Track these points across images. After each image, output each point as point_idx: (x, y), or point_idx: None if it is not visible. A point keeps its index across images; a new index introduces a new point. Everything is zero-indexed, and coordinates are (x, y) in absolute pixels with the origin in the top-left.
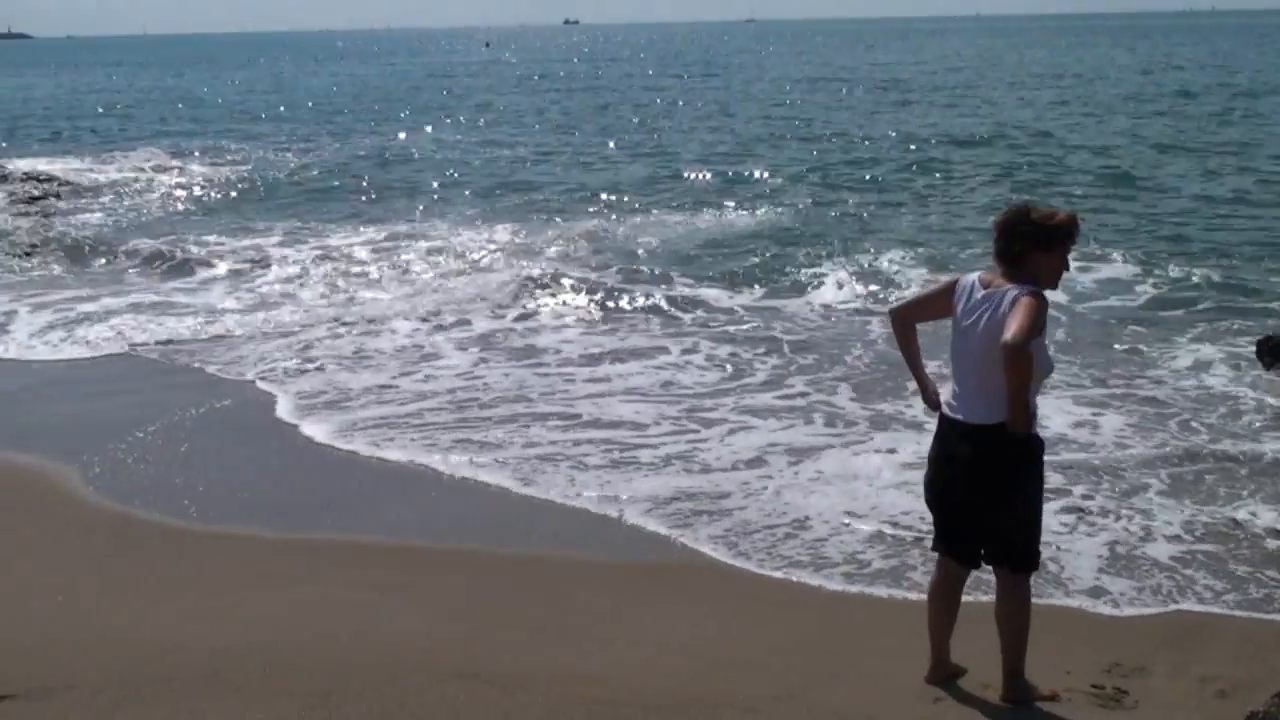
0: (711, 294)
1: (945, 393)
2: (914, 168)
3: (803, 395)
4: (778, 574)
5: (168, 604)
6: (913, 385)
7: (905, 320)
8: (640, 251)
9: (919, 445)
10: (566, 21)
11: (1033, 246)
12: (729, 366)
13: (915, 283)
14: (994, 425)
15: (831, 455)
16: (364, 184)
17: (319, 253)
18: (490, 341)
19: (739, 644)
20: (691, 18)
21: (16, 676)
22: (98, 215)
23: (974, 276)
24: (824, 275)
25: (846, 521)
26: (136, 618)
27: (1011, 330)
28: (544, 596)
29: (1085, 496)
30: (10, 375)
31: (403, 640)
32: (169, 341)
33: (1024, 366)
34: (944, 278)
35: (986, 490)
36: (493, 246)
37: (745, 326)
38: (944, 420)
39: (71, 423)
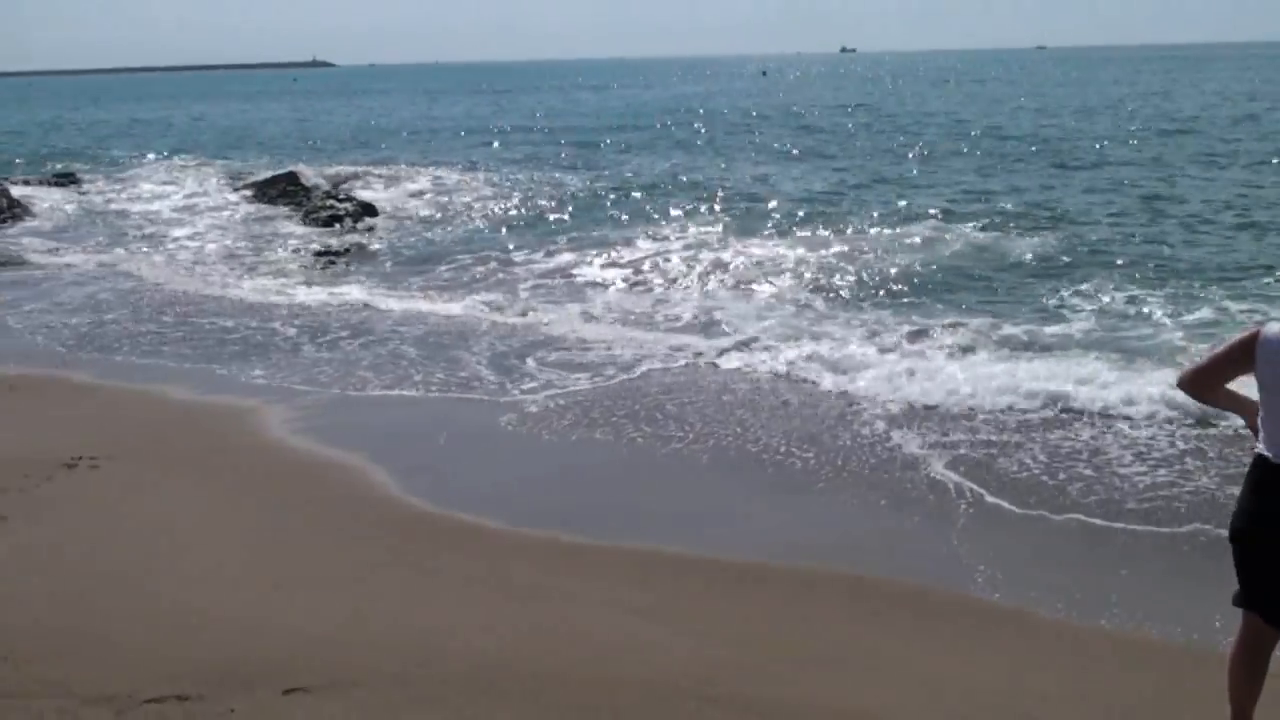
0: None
1: (1266, 445)
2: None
3: (1089, 417)
4: (1055, 614)
5: (455, 606)
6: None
7: (1201, 386)
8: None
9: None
10: (844, 49)
11: None
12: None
13: None
14: None
15: (1124, 478)
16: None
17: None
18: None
19: (1012, 692)
20: (975, 44)
21: (311, 669)
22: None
23: (1277, 328)
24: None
25: (1139, 559)
26: (425, 618)
27: None
28: (816, 621)
29: None
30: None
31: (673, 661)
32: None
33: None
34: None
35: None
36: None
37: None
38: (1274, 471)
39: (393, 423)
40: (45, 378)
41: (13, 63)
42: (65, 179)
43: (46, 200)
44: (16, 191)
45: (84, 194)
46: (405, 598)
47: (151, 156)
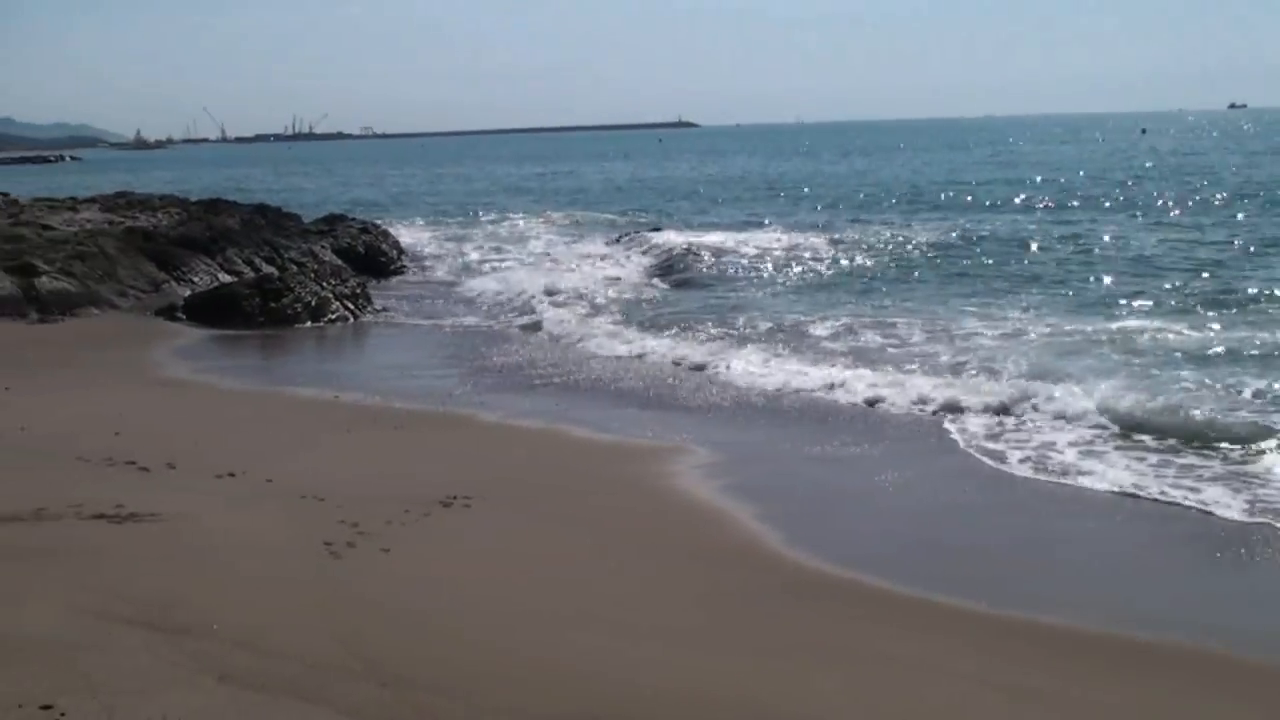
0: None
1: None
2: None
3: None
4: None
5: (805, 669)
6: None
7: None
8: None
9: None
10: (1232, 106)
11: None
12: None
13: None
14: None
15: None
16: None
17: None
18: None
19: None
20: None
21: None
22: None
23: None
24: None
25: None
26: (772, 681)
27: None
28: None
29: None
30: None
31: None
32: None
33: None
34: None
35: None
36: None
37: None
38: None
39: (797, 478)
40: (437, 416)
41: (398, 126)
42: (448, 231)
43: (430, 250)
44: (406, 242)
45: (463, 245)
46: (756, 656)
47: (519, 212)
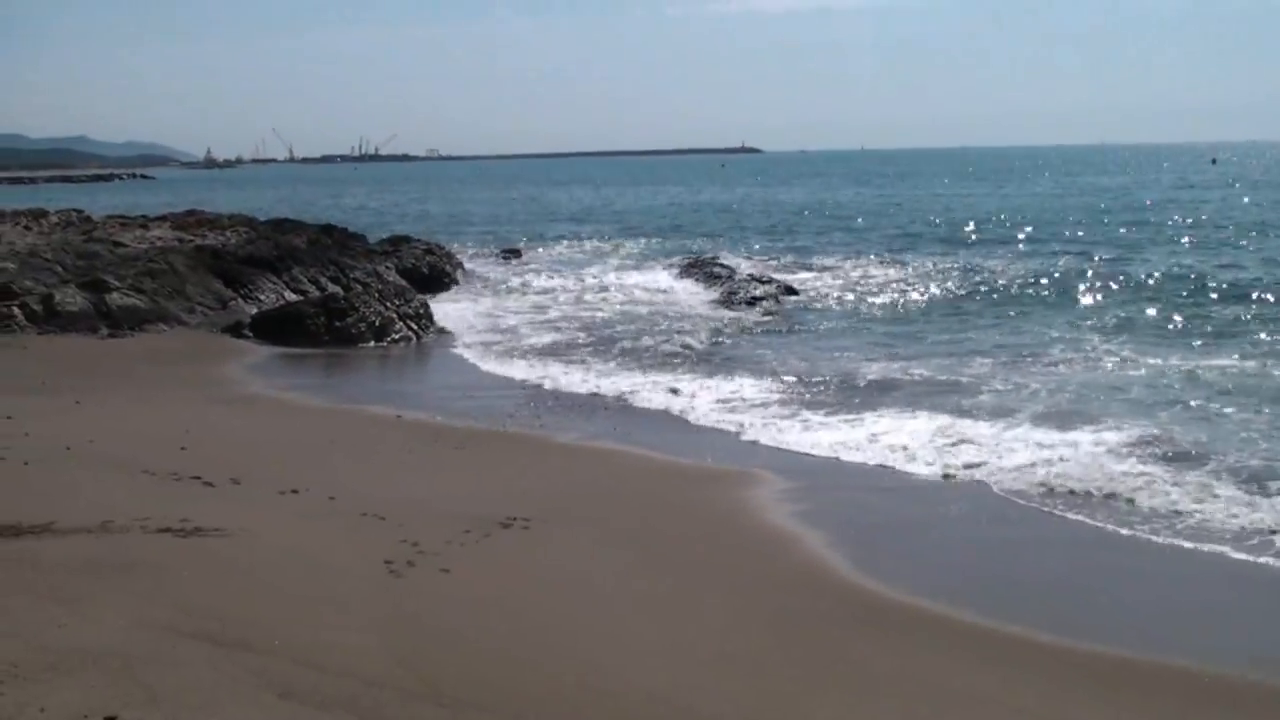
0: None
1: None
2: None
3: None
4: None
5: (857, 702)
6: None
7: None
8: None
9: None
10: None
11: None
12: None
13: None
14: None
15: None
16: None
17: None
18: None
19: None
20: None
21: None
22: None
23: None
24: None
25: None
26: (826, 712)
27: None
28: None
29: None
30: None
31: None
32: None
33: None
34: None
35: None
36: None
37: None
38: None
39: (873, 506)
40: (498, 436)
41: (464, 148)
42: (510, 254)
43: (493, 273)
44: (469, 265)
45: (526, 268)
46: (814, 682)
47: (583, 236)
